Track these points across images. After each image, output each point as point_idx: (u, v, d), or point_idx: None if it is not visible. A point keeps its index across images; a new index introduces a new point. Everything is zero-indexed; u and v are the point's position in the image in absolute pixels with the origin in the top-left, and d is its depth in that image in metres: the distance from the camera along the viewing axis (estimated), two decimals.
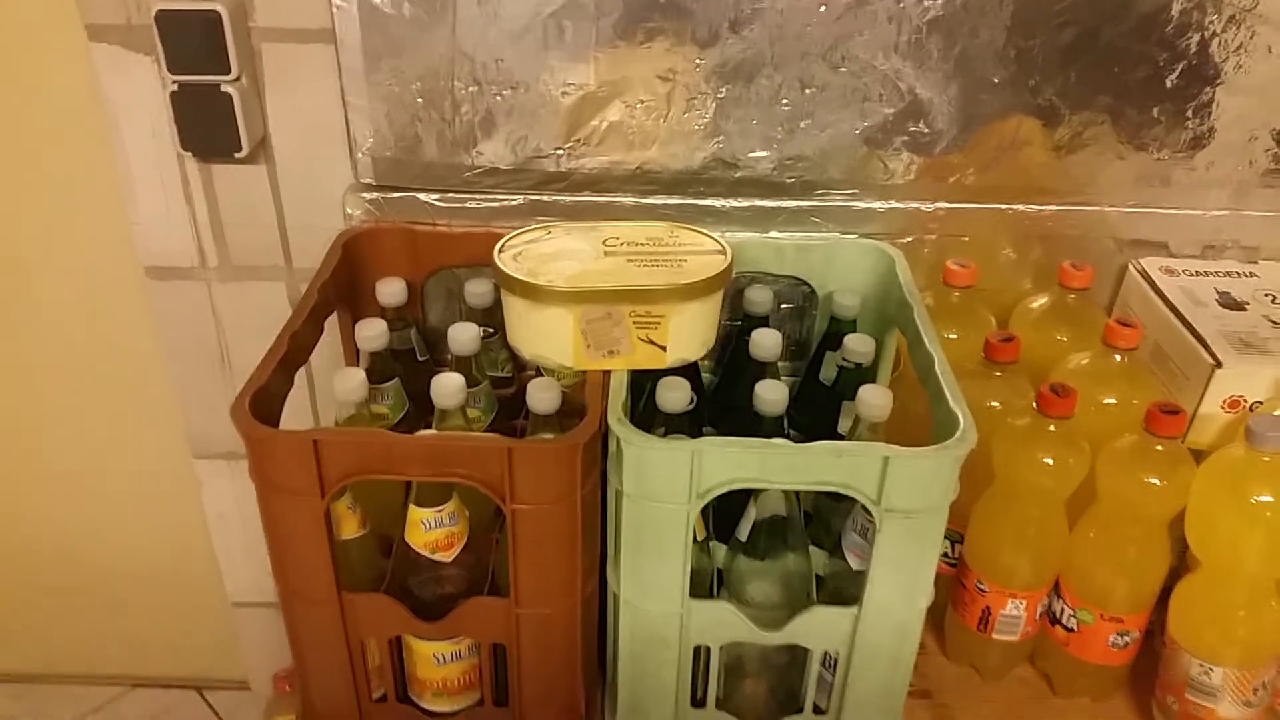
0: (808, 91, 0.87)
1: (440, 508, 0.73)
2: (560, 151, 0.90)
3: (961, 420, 0.68)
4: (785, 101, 0.88)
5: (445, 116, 0.89)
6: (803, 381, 0.92)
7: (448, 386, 0.77)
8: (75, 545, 1.41)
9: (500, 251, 0.75)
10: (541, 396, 0.77)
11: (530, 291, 0.71)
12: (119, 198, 0.99)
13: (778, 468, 0.67)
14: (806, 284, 0.94)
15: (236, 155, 0.92)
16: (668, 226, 0.79)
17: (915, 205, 0.92)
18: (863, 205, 0.92)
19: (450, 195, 0.93)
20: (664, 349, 0.74)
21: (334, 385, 0.78)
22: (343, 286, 0.91)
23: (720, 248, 0.76)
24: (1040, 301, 0.92)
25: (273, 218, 0.98)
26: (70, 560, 1.42)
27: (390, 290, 0.91)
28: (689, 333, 0.74)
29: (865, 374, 0.85)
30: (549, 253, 0.75)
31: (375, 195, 0.93)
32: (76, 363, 1.25)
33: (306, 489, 0.67)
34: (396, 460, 0.67)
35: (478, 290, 0.91)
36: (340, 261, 0.90)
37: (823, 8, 0.84)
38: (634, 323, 0.72)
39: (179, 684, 1.53)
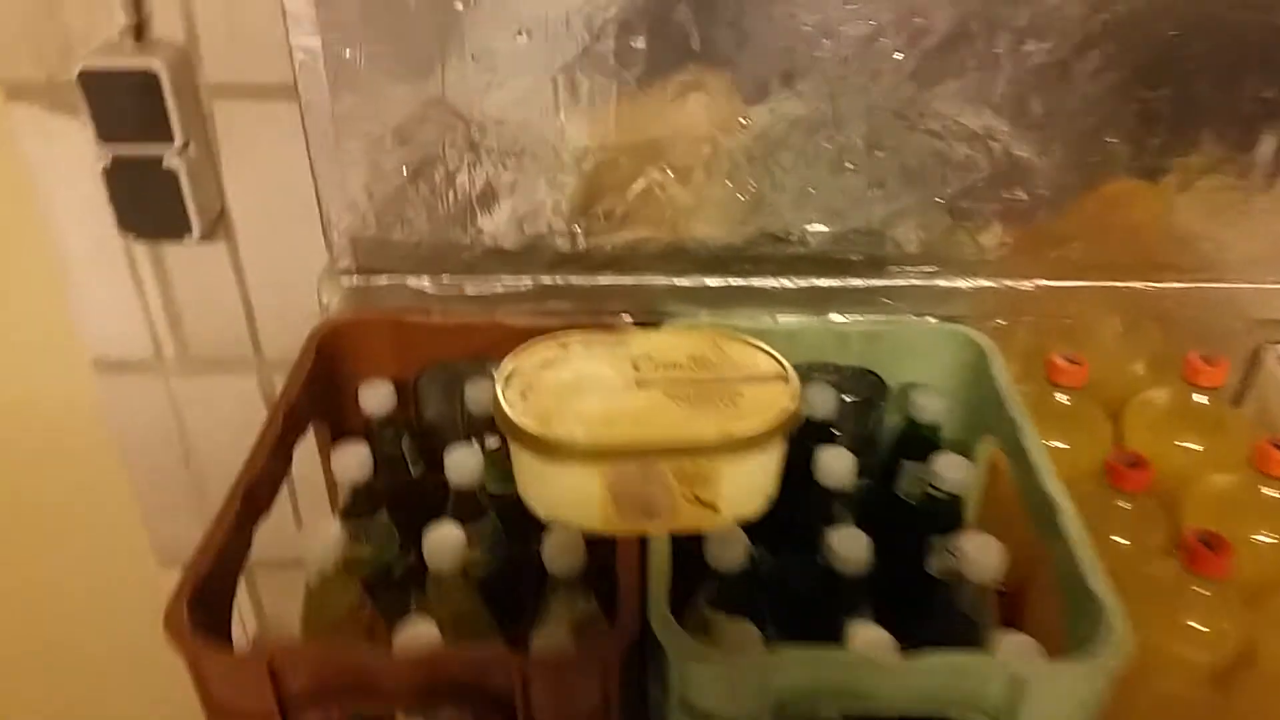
0: (878, 154, 0.71)
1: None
2: (577, 229, 0.75)
3: (1106, 608, 0.53)
4: (850, 166, 0.72)
5: (436, 189, 0.74)
6: (874, 495, 0.77)
7: (442, 546, 0.62)
8: (35, 663, 1.26)
9: (505, 384, 0.60)
10: (562, 558, 0.63)
11: (544, 447, 0.55)
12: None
13: (876, 686, 0.52)
14: (875, 374, 0.79)
15: (187, 238, 0.77)
16: (712, 336, 0.64)
17: (1009, 283, 0.76)
18: (944, 284, 0.77)
19: (445, 280, 0.78)
20: (716, 509, 0.59)
21: (302, 541, 0.64)
22: (319, 393, 0.76)
23: (781, 369, 0.61)
24: (1159, 397, 0.76)
25: (238, 303, 0.83)
26: (30, 678, 1.28)
27: (376, 397, 0.76)
28: (747, 488, 0.59)
29: (957, 506, 0.70)
30: (566, 382, 0.60)
31: (356, 281, 0.78)
32: (25, 465, 1.10)
33: (264, 715, 0.53)
34: (378, 685, 0.53)
35: (481, 396, 0.76)
36: (314, 364, 0.75)
37: (897, 54, 0.68)
38: (677, 479, 0.57)
39: None
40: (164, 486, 0.93)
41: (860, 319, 0.77)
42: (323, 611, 0.68)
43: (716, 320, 0.77)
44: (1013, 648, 0.58)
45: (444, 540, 0.62)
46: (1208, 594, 0.61)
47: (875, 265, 0.76)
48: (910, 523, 0.73)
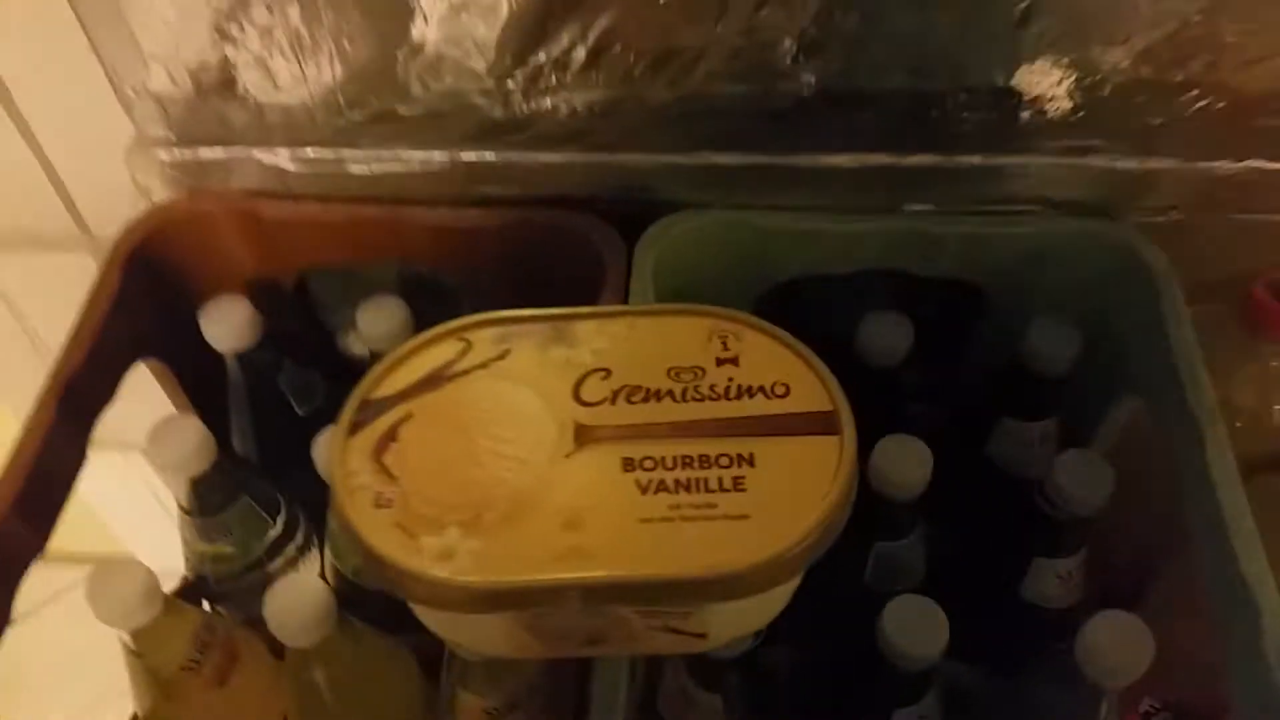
0: None
1: None
2: (511, 85, 0.46)
3: None
4: None
5: (293, 29, 0.45)
6: (955, 458, 0.53)
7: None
8: None
9: (350, 434, 0.35)
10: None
11: (416, 588, 0.32)
12: None
13: None
14: (973, 286, 0.53)
15: None
16: (711, 325, 0.38)
17: (1203, 165, 0.47)
18: (1100, 164, 0.48)
19: (311, 154, 0.50)
20: (702, 636, 0.36)
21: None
22: (143, 319, 0.52)
23: (826, 396, 0.35)
24: None
25: (40, 176, 0.57)
26: None
27: (226, 326, 0.52)
28: (754, 614, 0.36)
29: (1081, 529, 0.47)
30: (458, 430, 0.35)
31: (177, 155, 0.51)
32: None
33: None
34: None
35: (375, 327, 0.51)
36: (125, 279, 0.50)
37: None
38: (641, 615, 0.35)
39: None
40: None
41: (958, 215, 0.50)
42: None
43: (734, 216, 0.50)
44: (1117, 638, 0.39)
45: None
46: None
47: (989, 134, 0.47)
48: (1001, 517, 0.50)
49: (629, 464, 0.33)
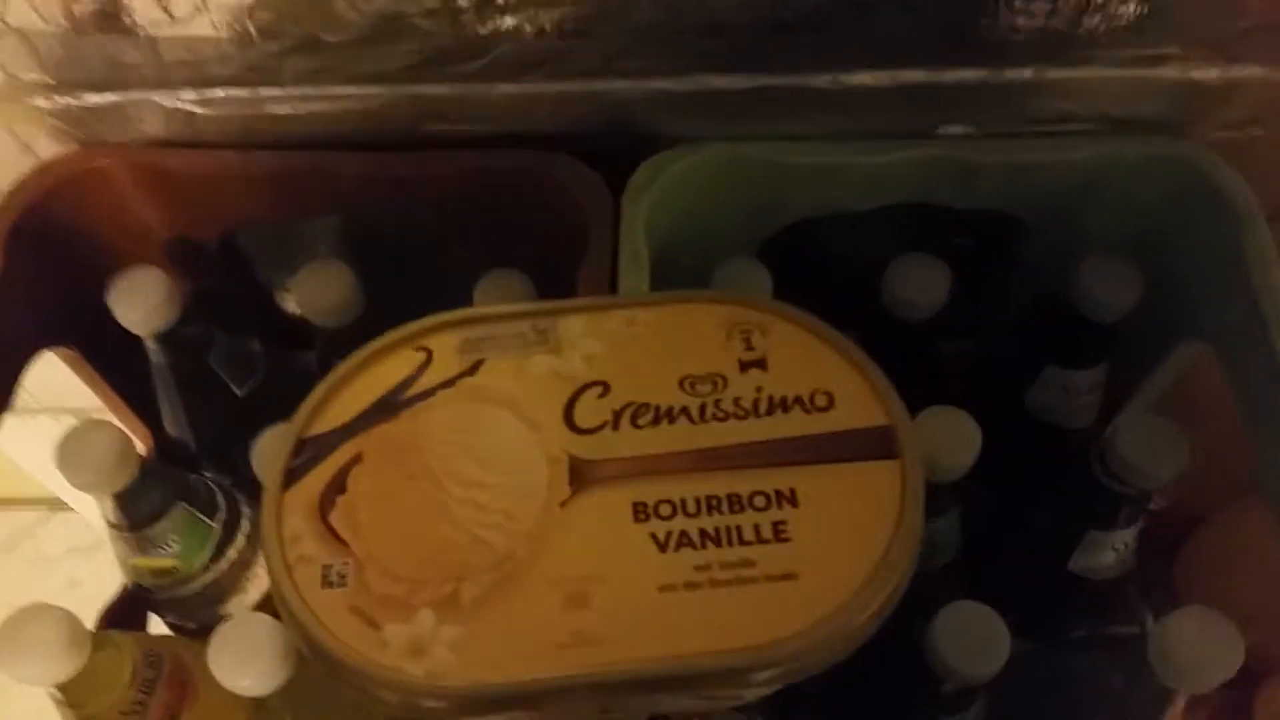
0: None
1: None
2: (461, 1, 0.37)
3: None
4: None
5: None
6: (992, 412, 0.47)
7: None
8: None
9: (287, 484, 0.28)
10: None
11: (394, 697, 0.26)
12: None
13: None
14: (1014, 219, 0.45)
15: None
16: (728, 312, 0.31)
17: None
18: (1173, 74, 0.40)
19: (221, 94, 0.41)
20: (739, 696, 0.30)
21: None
22: (43, 301, 0.44)
23: (882, 415, 0.28)
24: None
25: None
26: None
27: (139, 305, 0.43)
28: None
29: (1141, 501, 0.41)
30: (418, 482, 0.28)
31: (61, 102, 0.42)
32: None
33: None
34: None
35: (315, 299, 0.43)
36: (17, 256, 0.42)
37: None
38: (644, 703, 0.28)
39: None
40: None
41: (1001, 138, 0.42)
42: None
43: (738, 151, 0.42)
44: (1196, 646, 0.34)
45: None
46: None
47: (1044, 44, 0.39)
48: (1043, 478, 0.45)
49: (641, 511, 0.27)
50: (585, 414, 0.28)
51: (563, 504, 0.27)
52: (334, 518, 0.27)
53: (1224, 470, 0.46)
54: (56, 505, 1.10)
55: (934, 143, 0.42)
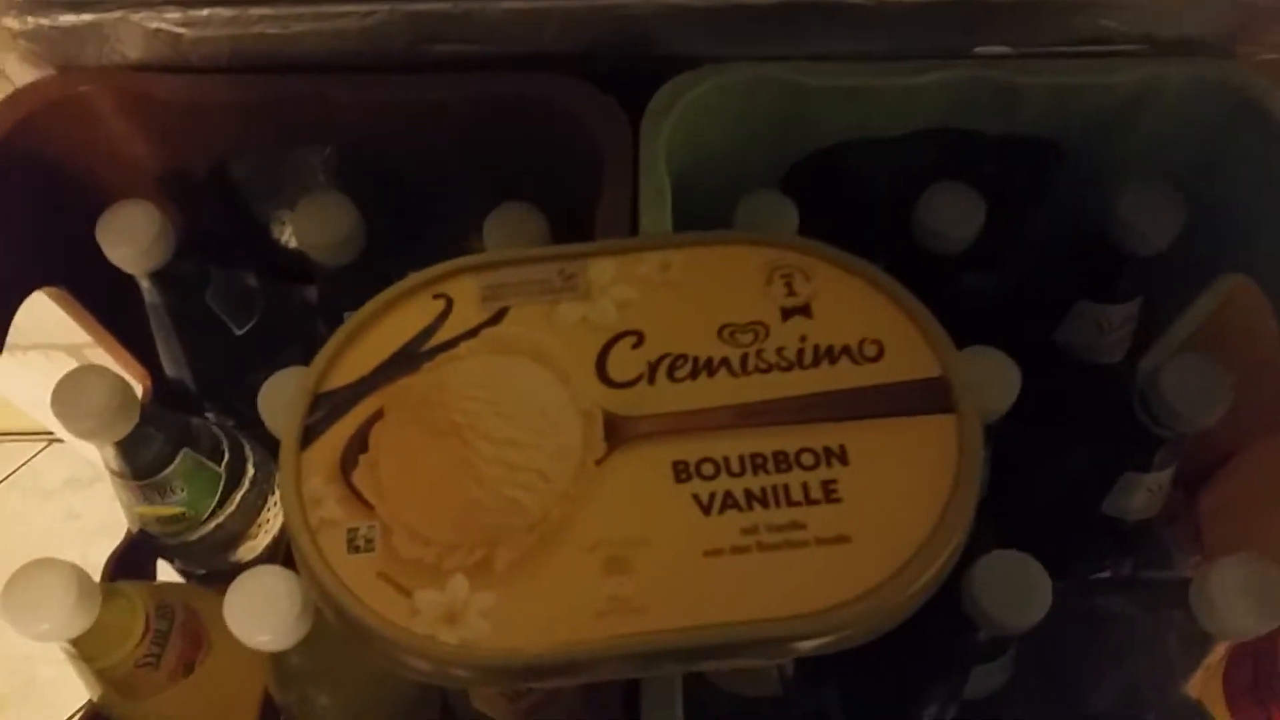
0: None
1: None
2: None
3: None
4: None
5: None
6: (1023, 348, 0.45)
7: None
8: None
9: (305, 443, 0.26)
10: None
11: (429, 666, 0.25)
12: None
13: None
14: (1048, 144, 0.43)
15: None
16: (769, 254, 0.28)
17: None
18: None
19: (206, 13, 0.38)
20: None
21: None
22: (29, 240, 0.42)
23: (935, 365, 0.27)
24: None
25: None
26: None
27: (131, 242, 0.41)
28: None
29: (1178, 444, 0.40)
30: (445, 440, 0.26)
31: (38, 21, 0.39)
32: None
33: None
34: None
35: (315, 234, 0.41)
36: None
37: None
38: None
39: None
40: None
41: (1040, 59, 0.40)
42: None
43: (762, 72, 0.39)
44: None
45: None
46: None
47: None
48: (1075, 415, 0.43)
49: (682, 471, 0.25)
50: (619, 366, 0.27)
51: (598, 463, 0.25)
52: (357, 478, 0.25)
53: (1255, 404, 0.45)
54: (52, 438, 1.09)
55: (969, 63, 0.40)
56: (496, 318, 0.28)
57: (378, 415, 0.26)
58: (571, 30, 0.39)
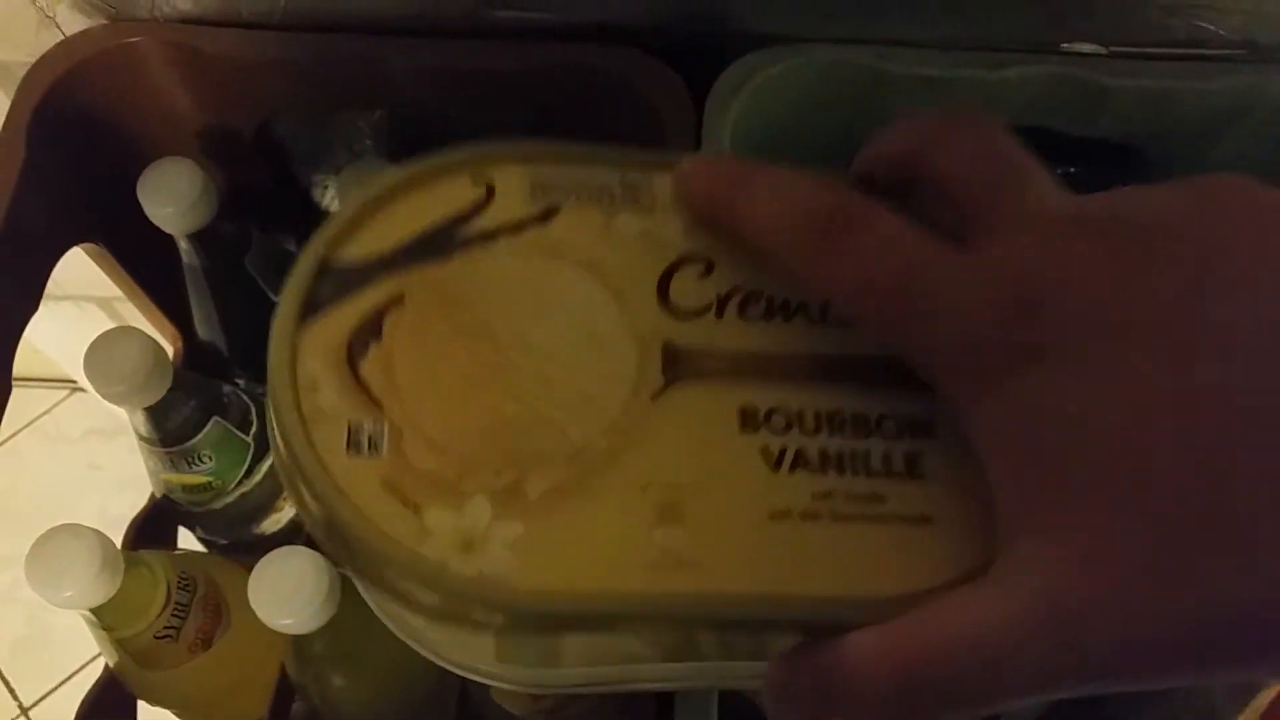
0: None
1: None
2: None
3: None
4: None
5: None
6: None
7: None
8: None
9: (304, 315, 0.22)
10: None
11: (434, 600, 0.21)
12: None
13: None
14: (1132, 150, 0.41)
15: None
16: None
17: None
18: None
19: None
20: None
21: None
22: (67, 193, 0.40)
23: None
24: None
25: None
26: None
27: (173, 201, 0.40)
28: None
29: None
30: (477, 342, 0.22)
31: None
32: None
33: None
34: None
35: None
36: (40, 143, 0.38)
37: None
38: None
39: None
40: None
41: (1133, 59, 0.37)
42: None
43: (838, 55, 0.37)
44: None
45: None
46: None
47: None
48: None
49: (749, 418, 0.22)
50: (684, 293, 0.23)
51: (654, 396, 0.22)
52: (365, 368, 0.22)
53: None
54: (75, 386, 1.09)
55: (1057, 60, 0.38)
56: (545, 216, 0.24)
57: (396, 300, 0.22)
58: (638, 3, 0.38)
